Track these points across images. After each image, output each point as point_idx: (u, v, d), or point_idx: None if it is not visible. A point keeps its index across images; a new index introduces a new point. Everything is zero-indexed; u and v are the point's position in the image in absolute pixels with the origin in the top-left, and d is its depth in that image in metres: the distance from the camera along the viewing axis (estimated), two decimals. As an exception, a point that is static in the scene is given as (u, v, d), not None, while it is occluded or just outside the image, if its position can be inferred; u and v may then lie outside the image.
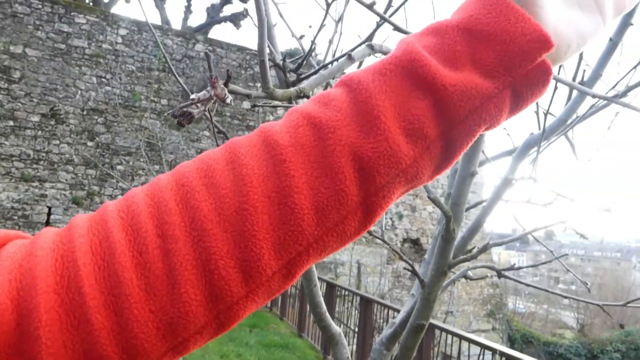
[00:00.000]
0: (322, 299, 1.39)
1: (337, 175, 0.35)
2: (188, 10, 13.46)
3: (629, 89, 1.60)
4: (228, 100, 0.55)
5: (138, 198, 0.35)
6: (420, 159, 0.37)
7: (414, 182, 0.38)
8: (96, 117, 9.18)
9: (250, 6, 13.21)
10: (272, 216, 0.34)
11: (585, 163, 1.76)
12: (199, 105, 0.66)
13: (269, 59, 1.30)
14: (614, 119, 1.77)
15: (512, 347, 14.87)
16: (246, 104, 10.90)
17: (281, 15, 1.47)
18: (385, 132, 0.35)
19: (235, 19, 12.94)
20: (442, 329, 4.36)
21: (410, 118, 0.36)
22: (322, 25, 1.05)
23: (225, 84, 0.69)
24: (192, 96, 0.55)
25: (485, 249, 1.13)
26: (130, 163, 9.46)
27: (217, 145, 0.47)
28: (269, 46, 1.51)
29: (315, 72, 1.20)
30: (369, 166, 0.36)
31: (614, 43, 1.30)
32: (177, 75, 0.94)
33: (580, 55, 1.39)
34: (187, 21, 13.33)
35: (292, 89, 0.72)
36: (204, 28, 13.09)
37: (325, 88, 1.00)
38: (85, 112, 9.06)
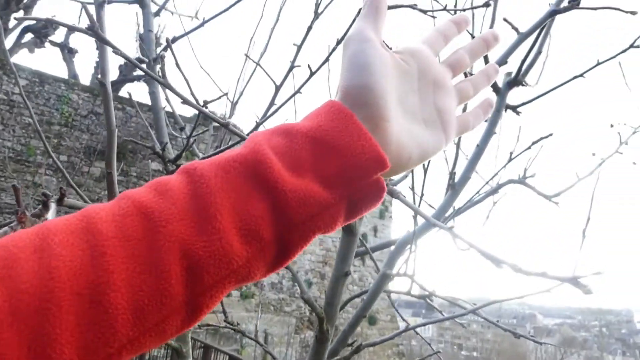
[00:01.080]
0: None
1: (162, 274, 0.33)
2: (99, 65, 13.05)
3: (499, 186, 1.74)
4: (48, 216, 0.49)
5: None
6: (253, 260, 0.36)
7: (246, 280, 0.37)
8: (-19, 171, 8.36)
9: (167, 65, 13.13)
10: (81, 316, 0.30)
11: (465, 251, 1.86)
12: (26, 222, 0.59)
13: (149, 146, 1.25)
14: (492, 208, 1.91)
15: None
16: (155, 165, 10.54)
17: (169, 102, 1.44)
18: (219, 231, 0.34)
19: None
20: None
21: (248, 219, 0.36)
22: (196, 122, 1.03)
23: (60, 201, 0.63)
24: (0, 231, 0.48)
25: (358, 350, 1.11)
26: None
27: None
28: (153, 133, 1.46)
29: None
30: (198, 265, 0.34)
31: (480, 149, 1.42)
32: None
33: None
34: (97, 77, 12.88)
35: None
36: (115, 85, 12.75)
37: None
38: (-32, 165, 8.23)
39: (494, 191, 1.79)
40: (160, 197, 0.35)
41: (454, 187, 1.39)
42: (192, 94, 0.84)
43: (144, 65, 1.17)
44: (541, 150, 1.35)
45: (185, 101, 0.60)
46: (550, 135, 1.31)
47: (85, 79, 14.01)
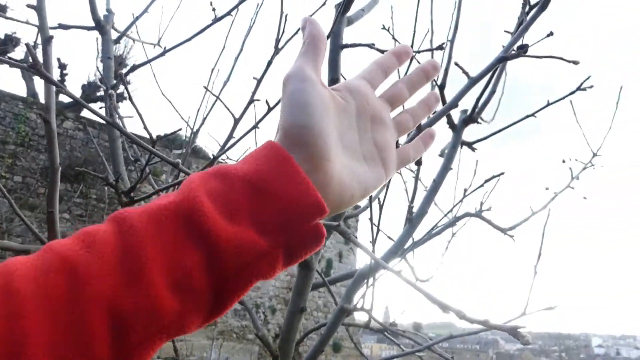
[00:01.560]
0: None
1: (85, 334, 0.30)
2: (62, 83, 12.73)
3: (457, 219, 1.77)
4: None
5: None
6: (186, 313, 0.35)
7: (180, 333, 0.36)
8: None
9: (133, 85, 12.98)
10: None
11: (425, 282, 1.87)
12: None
13: (102, 177, 1.22)
14: (451, 239, 1.94)
15: None
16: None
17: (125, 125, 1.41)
18: (148, 285, 0.33)
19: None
20: None
21: (179, 270, 0.34)
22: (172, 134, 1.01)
23: None
24: None
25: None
26: (-36, 246, 8.16)
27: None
28: (105, 163, 1.43)
29: (152, 195, 1.14)
30: (125, 323, 0.32)
31: (437, 184, 1.44)
32: None
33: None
34: (58, 96, 12.62)
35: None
36: (77, 105, 12.44)
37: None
38: None
39: (451, 224, 1.82)
40: (86, 250, 0.33)
41: (411, 221, 1.40)
42: (145, 127, 0.83)
43: (101, 92, 1.14)
44: (497, 184, 1.39)
45: (133, 140, 0.59)
46: (502, 174, 1.35)
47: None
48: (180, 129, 1.07)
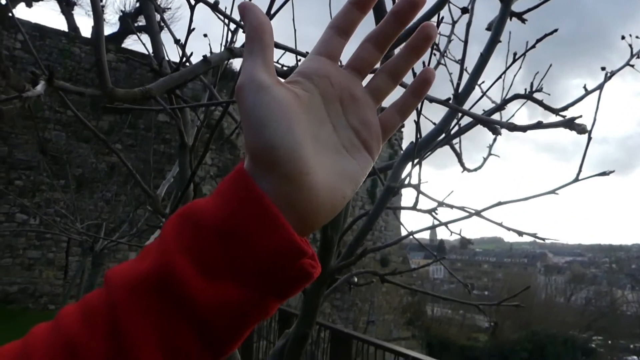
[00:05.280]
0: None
1: None
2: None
3: (505, 101, 1.72)
4: (30, 93, 0.50)
5: None
6: None
7: None
8: (-10, 128, 8.42)
9: (173, 12, 12.84)
10: None
11: (472, 172, 1.86)
12: (15, 101, 0.60)
13: (146, 63, 1.25)
14: (494, 142, 1.90)
15: (430, 353, 15.40)
16: (162, 116, 10.53)
17: (165, 22, 1.42)
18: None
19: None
20: (359, 339, 4.41)
21: (171, 344, 0.34)
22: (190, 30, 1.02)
23: (49, 81, 0.64)
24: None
25: (364, 254, 1.14)
26: (31, 178, 8.74)
27: (127, 158, 0.41)
28: (150, 54, 1.45)
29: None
30: None
31: (484, 58, 1.39)
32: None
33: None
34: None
35: (136, 90, 0.68)
36: (118, 37, 12.52)
37: (177, 88, 0.96)
38: (-22, 123, 8.29)
39: (499, 107, 1.77)
40: (85, 328, 0.34)
41: (457, 98, 1.37)
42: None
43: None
44: (547, 54, 1.31)
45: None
46: (556, 30, 1.27)
47: (85, 31, 13.73)
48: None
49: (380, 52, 0.43)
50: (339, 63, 0.43)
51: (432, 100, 0.69)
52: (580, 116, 0.47)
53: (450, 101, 1.41)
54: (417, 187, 1.31)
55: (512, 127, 0.55)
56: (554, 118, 1.69)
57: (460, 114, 1.55)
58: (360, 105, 0.42)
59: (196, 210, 0.36)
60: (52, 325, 0.36)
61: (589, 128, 0.48)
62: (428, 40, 0.41)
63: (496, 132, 0.63)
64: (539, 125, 0.51)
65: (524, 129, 0.52)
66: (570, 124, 0.45)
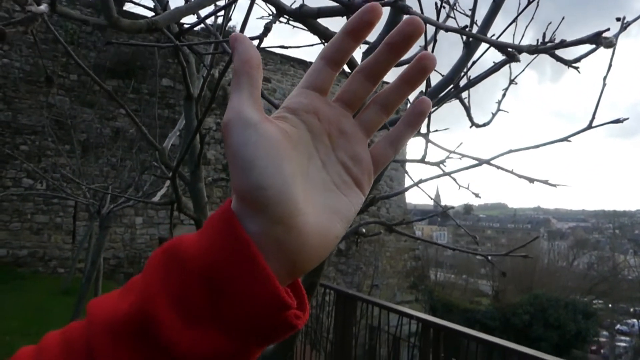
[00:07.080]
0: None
1: None
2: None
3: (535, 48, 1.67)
4: (33, 8, 0.48)
5: None
6: None
7: None
8: (-7, 93, 8.38)
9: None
10: None
11: (480, 126, 1.84)
12: (17, 25, 0.58)
13: (151, 9, 1.21)
14: (509, 86, 1.86)
15: (433, 315, 15.72)
16: (166, 81, 10.44)
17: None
18: None
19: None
20: (364, 300, 4.49)
21: None
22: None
23: (52, 5, 0.62)
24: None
25: (372, 202, 1.14)
26: (37, 143, 8.76)
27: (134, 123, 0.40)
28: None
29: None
30: None
31: (497, 4, 1.34)
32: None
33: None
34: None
35: (142, 21, 0.66)
36: (118, 1, 12.29)
37: (184, 33, 0.94)
38: (-20, 88, 8.24)
39: (509, 60, 1.73)
40: None
41: (468, 45, 1.34)
42: None
43: None
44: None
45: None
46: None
47: (85, -5, 13.44)
48: None
49: (373, 84, 0.41)
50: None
51: (447, 29, 0.66)
52: (609, 29, 0.45)
53: (463, 50, 1.38)
54: (426, 136, 1.29)
55: (533, 50, 0.53)
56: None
57: (470, 63, 1.52)
58: (350, 140, 0.41)
59: (182, 250, 0.35)
60: (35, 353, 0.36)
61: (605, 72, 0.46)
62: (424, 73, 0.40)
63: (514, 58, 0.61)
64: (562, 44, 0.50)
65: (546, 50, 0.50)
66: (596, 38, 0.43)
